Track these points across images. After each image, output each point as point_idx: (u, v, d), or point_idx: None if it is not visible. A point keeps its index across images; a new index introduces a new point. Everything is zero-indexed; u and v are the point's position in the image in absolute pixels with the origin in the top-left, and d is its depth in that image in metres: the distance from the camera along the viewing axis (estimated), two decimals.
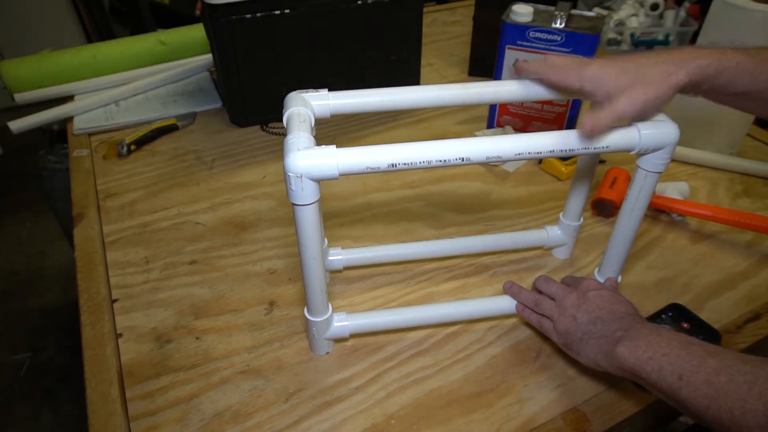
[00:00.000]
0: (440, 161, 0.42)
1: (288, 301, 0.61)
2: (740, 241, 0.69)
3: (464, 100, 0.51)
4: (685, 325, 0.56)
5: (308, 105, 0.48)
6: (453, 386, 0.52)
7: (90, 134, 0.89)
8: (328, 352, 0.55)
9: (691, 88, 0.43)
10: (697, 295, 0.61)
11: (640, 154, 0.46)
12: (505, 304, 0.56)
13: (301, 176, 0.41)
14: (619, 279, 0.56)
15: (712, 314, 0.59)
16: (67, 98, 0.96)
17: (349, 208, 0.73)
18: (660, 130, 0.44)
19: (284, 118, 0.47)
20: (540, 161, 0.82)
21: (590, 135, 0.43)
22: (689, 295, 0.61)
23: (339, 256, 0.62)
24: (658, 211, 0.73)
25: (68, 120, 0.91)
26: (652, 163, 0.46)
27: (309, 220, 0.44)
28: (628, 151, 0.45)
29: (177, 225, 0.71)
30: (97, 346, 0.55)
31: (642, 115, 0.43)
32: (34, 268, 1.75)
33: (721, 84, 0.42)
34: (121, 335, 0.57)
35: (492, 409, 0.50)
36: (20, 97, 0.93)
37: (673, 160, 0.83)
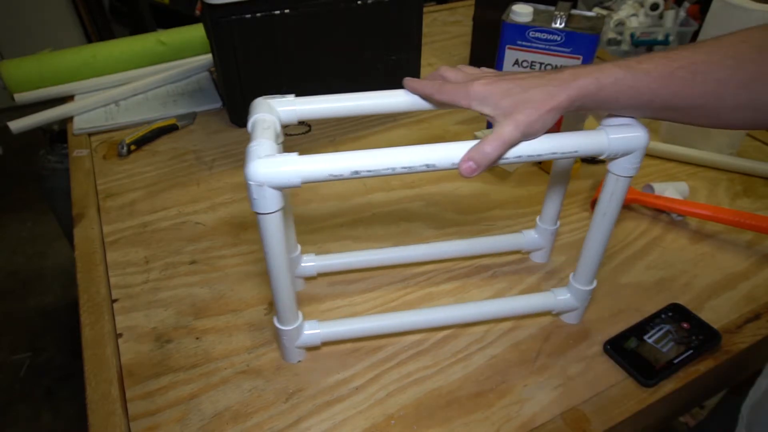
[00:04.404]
0: (405, 168, 0.42)
1: None
2: (740, 241, 0.69)
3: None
4: (685, 325, 0.56)
5: (274, 111, 0.47)
6: (453, 386, 0.52)
7: (90, 134, 0.89)
8: (300, 360, 0.54)
9: (575, 107, 0.43)
10: (697, 295, 0.61)
11: (610, 159, 0.45)
12: (484, 309, 0.56)
13: (263, 185, 0.40)
14: (594, 284, 0.55)
15: (712, 314, 0.59)
16: (67, 98, 0.96)
17: (349, 208, 0.73)
18: (628, 135, 0.44)
19: (249, 125, 0.46)
20: (540, 161, 0.82)
21: (475, 171, 0.42)
22: (689, 295, 0.61)
23: (311, 263, 0.61)
24: (658, 211, 0.73)
25: (68, 120, 0.91)
26: (622, 167, 0.45)
27: (273, 229, 0.43)
28: (598, 155, 0.45)
29: (177, 225, 0.71)
30: (97, 346, 0.55)
31: (526, 138, 0.43)
32: (34, 268, 1.76)
33: (604, 100, 0.42)
34: (121, 335, 0.57)
35: (492, 409, 0.50)
36: (20, 97, 0.92)
37: (673, 160, 0.83)
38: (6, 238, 1.87)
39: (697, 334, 0.55)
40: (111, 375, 0.53)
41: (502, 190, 0.77)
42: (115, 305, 0.60)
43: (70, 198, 0.75)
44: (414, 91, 0.49)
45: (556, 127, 0.82)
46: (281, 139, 0.49)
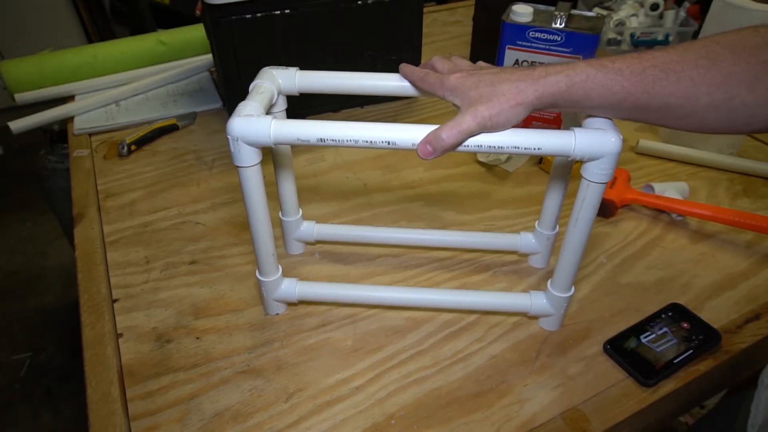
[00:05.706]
0: (366, 142, 0.44)
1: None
2: (740, 241, 0.69)
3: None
4: (685, 325, 0.56)
5: (275, 80, 0.51)
6: (453, 386, 0.52)
7: (90, 134, 0.89)
8: (278, 313, 0.59)
9: (544, 104, 0.42)
10: (697, 295, 0.61)
11: (582, 162, 0.45)
12: (457, 298, 0.58)
13: (237, 139, 0.44)
14: (572, 291, 0.54)
15: (712, 314, 0.59)
16: (67, 98, 0.96)
17: (349, 208, 0.73)
18: (598, 138, 0.43)
19: (249, 88, 0.50)
20: (540, 161, 0.82)
21: (431, 154, 0.43)
22: (689, 295, 0.61)
23: (311, 228, 0.65)
24: (658, 211, 0.73)
25: (69, 120, 0.91)
26: (592, 172, 0.44)
27: (250, 182, 0.47)
28: (565, 156, 0.44)
29: (177, 225, 0.71)
30: (97, 346, 0.55)
31: (486, 130, 0.43)
32: (34, 268, 1.76)
33: (576, 98, 0.42)
34: (121, 335, 0.57)
35: (492, 409, 0.50)
36: (20, 97, 0.93)
37: (673, 160, 0.83)
38: (6, 238, 1.87)
39: (697, 334, 0.55)
40: (111, 375, 0.53)
41: (502, 190, 0.77)
42: (116, 305, 0.60)
43: (70, 198, 0.75)
44: (405, 77, 0.51)
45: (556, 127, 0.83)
46: (282, 107, 0.54)
